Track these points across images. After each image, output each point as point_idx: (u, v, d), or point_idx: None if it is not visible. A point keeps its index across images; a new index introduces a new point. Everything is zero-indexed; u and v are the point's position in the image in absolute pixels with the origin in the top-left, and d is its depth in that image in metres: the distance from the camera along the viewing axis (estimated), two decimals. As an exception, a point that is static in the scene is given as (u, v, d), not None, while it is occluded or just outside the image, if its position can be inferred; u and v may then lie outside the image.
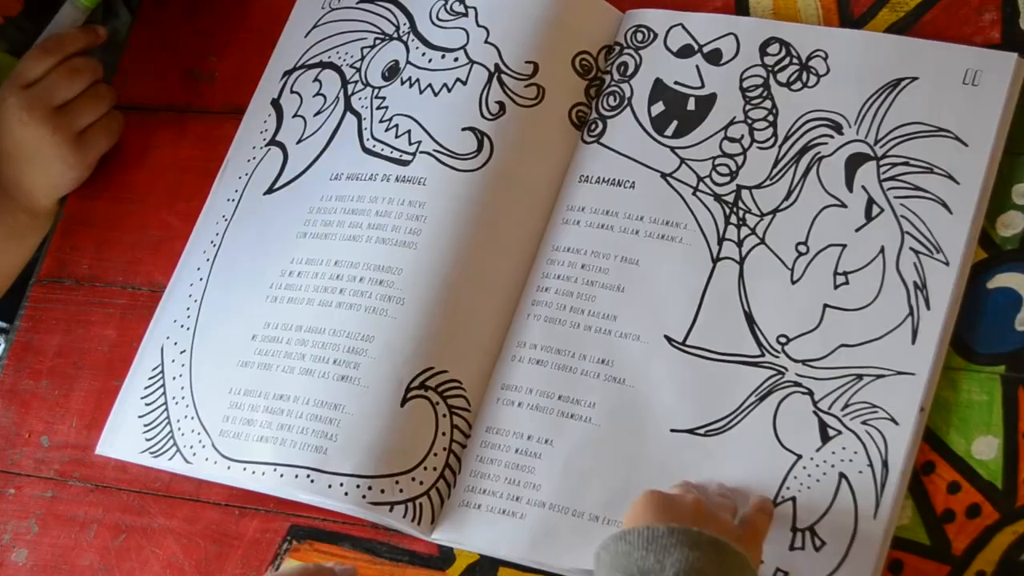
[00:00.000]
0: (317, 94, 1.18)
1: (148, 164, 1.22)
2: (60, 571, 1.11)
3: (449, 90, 1.12)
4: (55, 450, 1.15)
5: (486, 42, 1.13)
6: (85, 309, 1.19)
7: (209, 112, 1.22)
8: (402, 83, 1.15)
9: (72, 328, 1.18)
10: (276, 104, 1.20)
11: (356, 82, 1.17)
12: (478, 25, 1.14)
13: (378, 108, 1.15)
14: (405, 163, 1.11)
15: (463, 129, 1.10)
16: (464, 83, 1.12)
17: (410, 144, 1.11)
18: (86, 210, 1.23)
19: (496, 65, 1.11)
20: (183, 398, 1.10)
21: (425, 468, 1.02)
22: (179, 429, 1.09)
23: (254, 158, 1.18)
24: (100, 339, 1.17)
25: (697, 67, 1.08)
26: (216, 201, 1.18)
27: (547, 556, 0.98)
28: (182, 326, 1.13)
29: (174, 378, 1.11)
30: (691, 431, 0.98)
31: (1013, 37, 1.01)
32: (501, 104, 1.10)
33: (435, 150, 1.10)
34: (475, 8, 1.15)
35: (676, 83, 1.08)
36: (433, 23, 1.16)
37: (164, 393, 1.11)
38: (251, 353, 1.09)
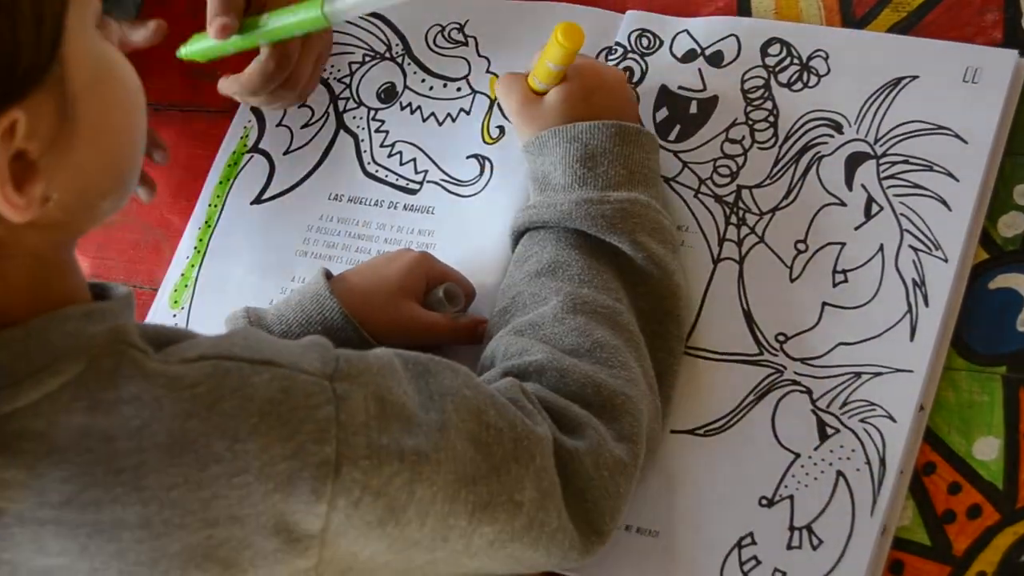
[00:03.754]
0: (303, 105, 1.22)
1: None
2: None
3: (453, 120, 1.16)
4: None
5: (488, 71, 1.17)
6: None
7: (211, 111, 1.25)
8: (401, 108, 1.20)
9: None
10: (256, 110, 1.23)
11: (347, 99, 1.21)
12: (479, 55, 1.18)
13: (377, 131, 1.19)
14: (413, 192, 1.15)
15: (467, 157, 1.15)
16: (468, 113, 1.16)
17: (416, 172, 1.15)
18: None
19: None
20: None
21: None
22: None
23: (235, 163, 1.21)
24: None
25: (700, 70, 1.12)
26: (201, 205, 1.22)
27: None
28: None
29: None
30: (691, 431, 1.00)
31: (1015, 37, 1.04)
32: (501, 128, 1.14)
33: (442, 179, 1.14)
34: (475, 38, 1.19)
35: (680, 88, 1.12)
36: (431, 49, 1.21)
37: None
38: None
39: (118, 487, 0.74)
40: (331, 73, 1.23)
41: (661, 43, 1.14)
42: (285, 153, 1.21)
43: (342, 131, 1.20)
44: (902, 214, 1.01)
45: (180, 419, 0.75)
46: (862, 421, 0.96)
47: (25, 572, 0.76)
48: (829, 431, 0.97)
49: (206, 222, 1.20)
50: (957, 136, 1.02)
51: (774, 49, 1.10)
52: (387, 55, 1.22)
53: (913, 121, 1.03)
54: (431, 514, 0.82)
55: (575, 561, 0.91)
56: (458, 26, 1.20)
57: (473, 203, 1.13)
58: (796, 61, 1.09)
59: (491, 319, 1.02)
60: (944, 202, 1.00)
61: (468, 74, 1.18)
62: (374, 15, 1.23)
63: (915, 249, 1.00)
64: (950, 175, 1.01)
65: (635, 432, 0.93)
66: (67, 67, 0.74)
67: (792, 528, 0.95)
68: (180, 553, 0.76)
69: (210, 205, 1.21)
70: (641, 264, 0.99)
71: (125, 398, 0.75)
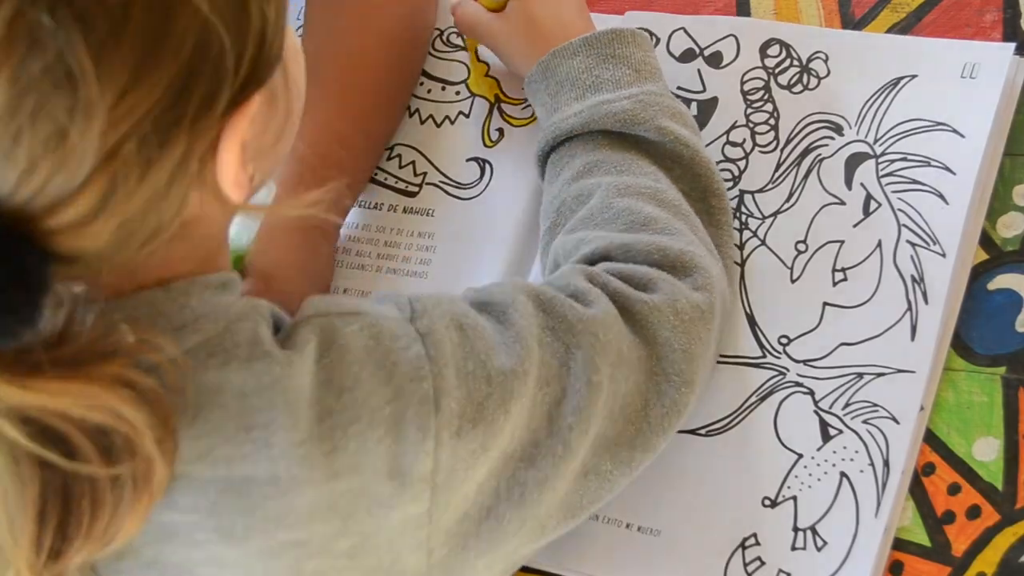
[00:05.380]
0: None
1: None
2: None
3: (452, 122, 1.17)
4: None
5: (487, 76, 1.18)
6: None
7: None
8: None
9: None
10: None
11: None
12: (479, 60, 1.19)
13: None
14: (412, 194, 1.16)
15: (467, 160, 1.16)
16: (467, 116, 1.17)
17: (415, 175, 1.16)
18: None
19: (496, 96, 1.16)
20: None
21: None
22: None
23: None
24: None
25: (699, 71, 1.13)
26: None
27: (544, 555, 0.99)
28: None
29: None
30: (692, 431, 1.01)
31: (1014, 38, 1.05)
32: (501, 130, 1.15)
33: (441, 181, 1.16)
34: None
35: (679, 88, 1.12)
36: (430, 53, 1.22)
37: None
38: None
39: (248, 444, 0.76)
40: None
41: (658, 40, 1.14)
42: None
43: (341, 135, 1.21)
44: (900, 209, 1.02)
45: (299, 377, 0.78)
46: (865, 422, 0.97)
47: (150, 527, 0.77)
48: (832, 432, 0.98)
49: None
50: (954, 131, 1.02)
51: (773, 50, 1.11)
52: None
53: (912, 119, 1.04)
54: (519, 427, 0.85)
55: (671, 422, 0.93)
56: (456, 30, 1.21)
57: (473, 205, 1.15)
58: (796, 63, 1.10)
59: (541, 239, 1.05)
60: (941, 196, 1.01)
61: (467, 78, 1.19)
62: None
63: (913, 244, 1.01)
64: (947, 169, 1.02)
65: (708, 283, 0.96)
66: (286, 52, 0.76)
67: (796, 529, 0.96)
68: (306, 507, 0.78)
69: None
70: (670, 147, 1.02)
71: (258, 355, 0.77)
